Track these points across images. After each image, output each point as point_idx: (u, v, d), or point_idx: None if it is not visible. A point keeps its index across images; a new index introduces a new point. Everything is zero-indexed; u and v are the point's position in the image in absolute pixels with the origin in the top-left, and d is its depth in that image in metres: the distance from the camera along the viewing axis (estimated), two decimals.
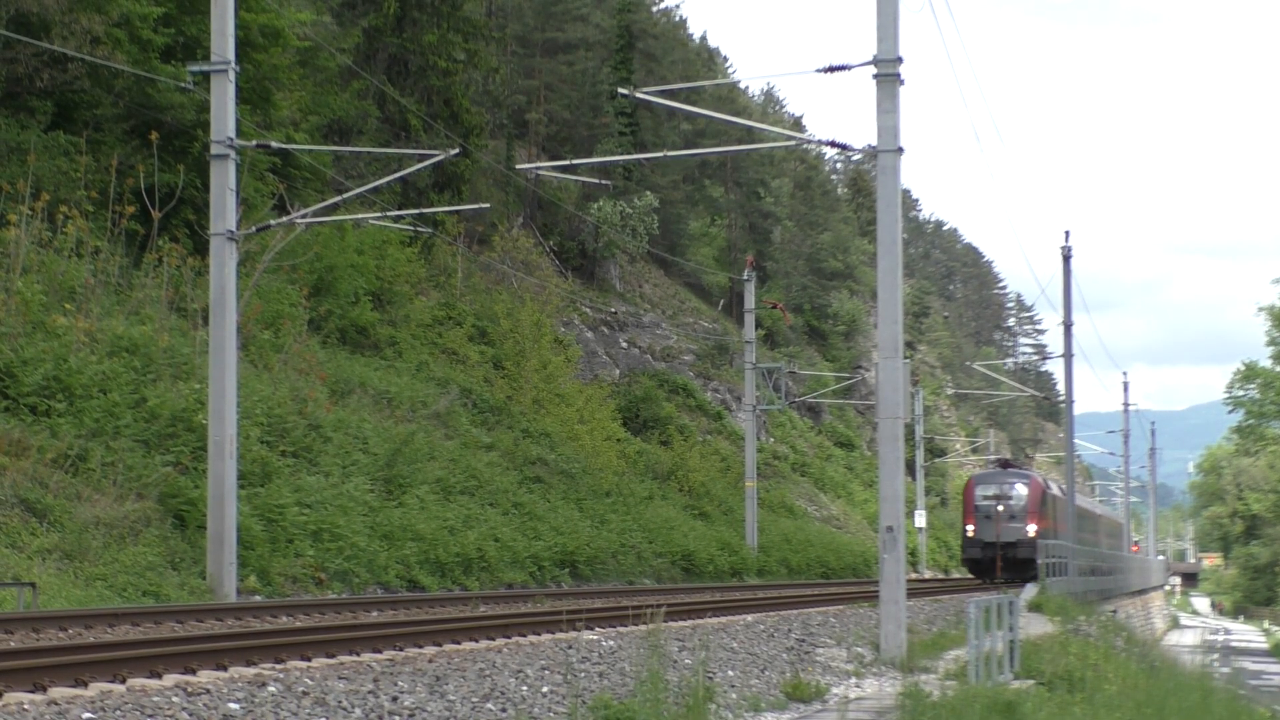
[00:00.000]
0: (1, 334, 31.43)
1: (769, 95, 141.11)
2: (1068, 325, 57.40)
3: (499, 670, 17.03)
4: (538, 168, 52.96)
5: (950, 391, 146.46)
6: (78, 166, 37.73)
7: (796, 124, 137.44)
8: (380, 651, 18.54)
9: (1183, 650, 65.02)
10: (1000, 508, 58.66)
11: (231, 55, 30.17)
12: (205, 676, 15.45)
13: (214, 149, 30.05)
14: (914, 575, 75.80)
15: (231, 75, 30.09)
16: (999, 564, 58.27)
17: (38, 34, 36.22)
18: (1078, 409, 63.47)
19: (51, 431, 29.71)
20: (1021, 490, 59.60)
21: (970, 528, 59.51)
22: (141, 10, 39.86)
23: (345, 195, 40.60)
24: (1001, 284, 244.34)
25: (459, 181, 61.15)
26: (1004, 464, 66.02)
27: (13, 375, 30.53)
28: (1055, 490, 64.73)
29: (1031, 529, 57.96)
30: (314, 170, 49.27)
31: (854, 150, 28.77)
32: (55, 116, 39.29)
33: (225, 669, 15.98)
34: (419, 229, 49.06)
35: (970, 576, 63.44)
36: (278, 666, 16.34)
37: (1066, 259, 57.14)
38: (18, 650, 16.50)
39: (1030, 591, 44.00)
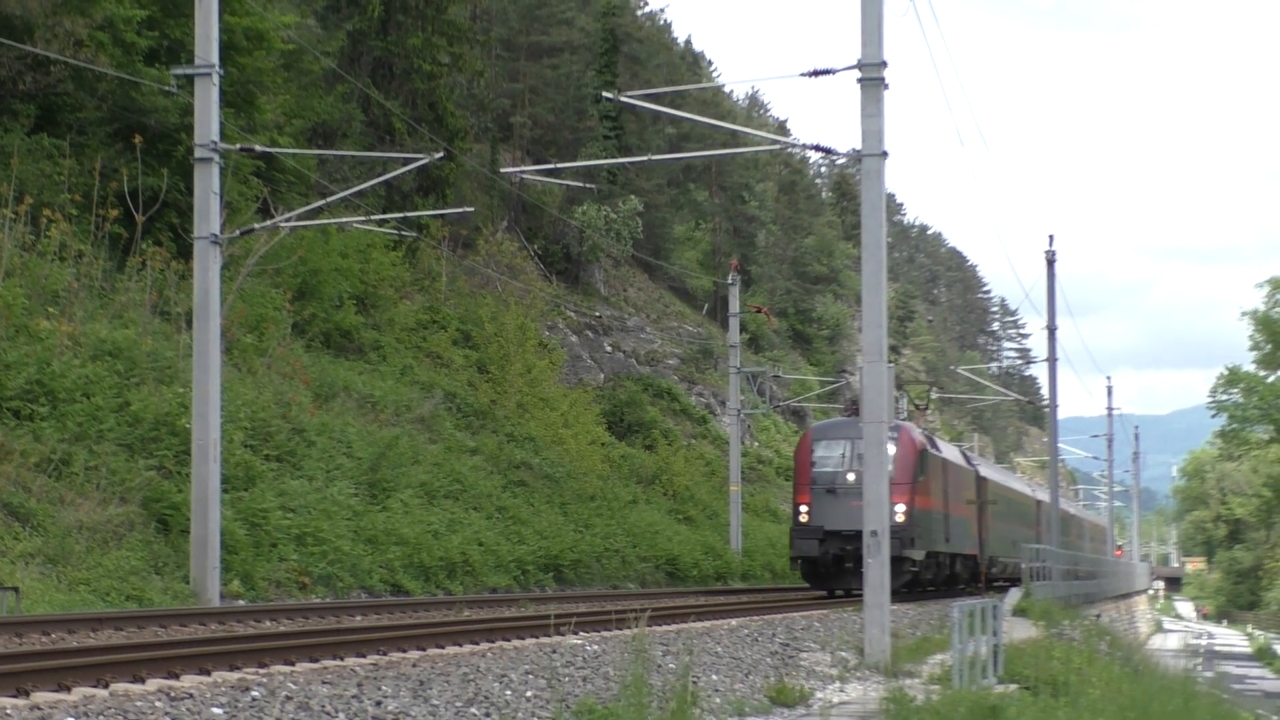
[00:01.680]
0: None
1: (753, 99, 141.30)
2: (1051, 329, 57.45)
3: (483, 675, 17.00)
4: (522, 171, 53.13)
5: (934, 395, 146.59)
6: (61, 170, 37.65)
7: (781, 128, 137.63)
8: (364, 656, 18.51)
9: (1166, 654, 65.07)
10: (851, 476, 40.37)
11: (215, 58, 30.13)
12: (189, 681, 15.41)
13: (198, 152, 30.01)
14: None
15: (215, 78, 30.05)
16: (848, 566, 40.57)
17: (20, 37, 36.14)
18: (1062, 413, 63.51)
19: (34, 435, 29.64)
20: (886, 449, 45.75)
21: (803, 509, 41.99)
22: (125, 13, 39.78)
23: (329, 199, 40.56)
24: (986, 288, 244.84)
25: (443, 185, 61.10)
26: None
27: None
28: (944, 451, 48.76)
29: (900, 510, 40.63)
30: (298, 174, 49.21)
31: (838, 154, 28.76)
32: (38, 120, 39.19)
33: (209, 674, 15.94)
34: (403, 232, 49.05)
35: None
36: (261, 671, 16.31)
37: (1050, 263, 57.19)
38: (0, 655, 16.45)
39: (1014, 596, 44.04)
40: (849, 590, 40.89)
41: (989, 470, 62.12)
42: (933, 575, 45.72)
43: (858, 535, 38.05)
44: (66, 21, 37.27)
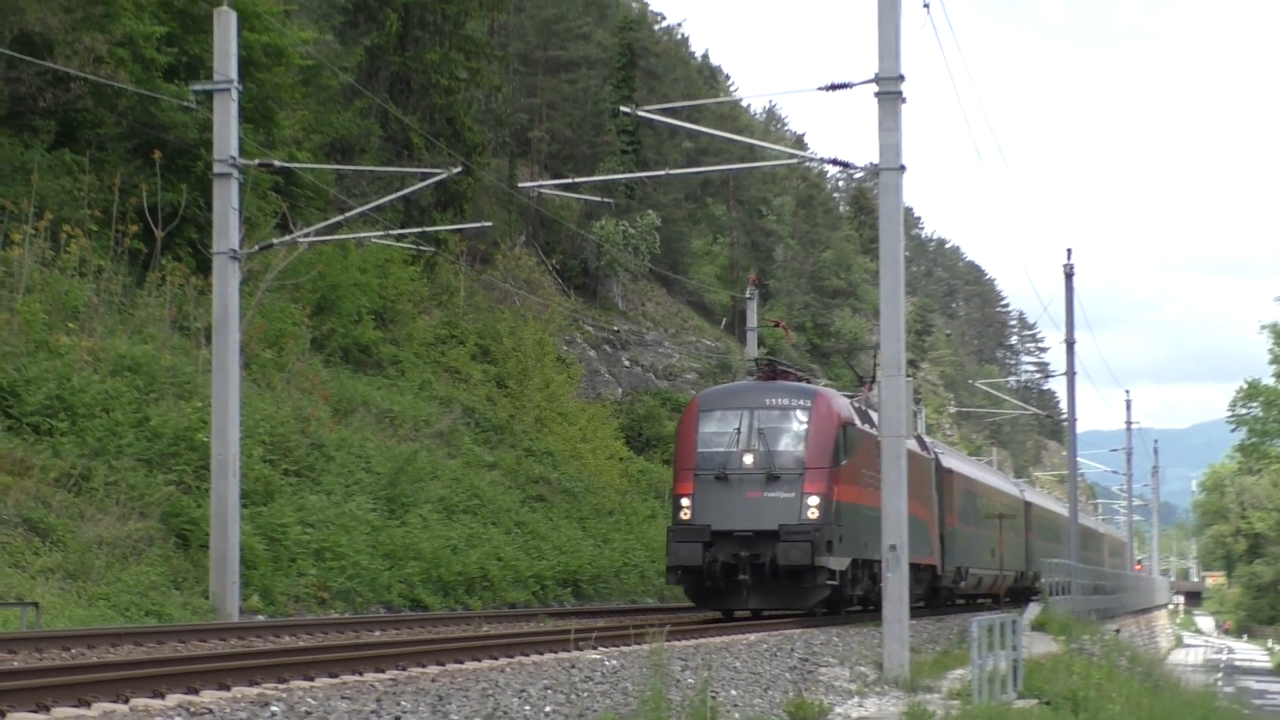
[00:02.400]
0: (5, 353, 31.46)
1: (771, 113, 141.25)
2: (1070, 343, 57.35)
3: (502, 690, 17.01)
4: (540, 186, 53.19)
5: (953, 409, 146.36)
6: (81, 186, 37.76)
7: (798, 142, 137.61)
8: (383, 671, 18.52)
9: (1186, 669, 64.93)
10: (749, 458, 32.85)
11: (234, 74, 30.22)
12: (208, 696, 15.43)
13: (217, 168, 30.10)
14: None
15: (234, 94, 30.15)
16: (743, 579, 32.41)
17: (41, 53, 36.27)
18: (1080, 427, 63.42)
19: (54, 451, 29.72)
20: (796, 420, 33.62)
21: (684, 503, 32.98)
22: (144, 30, 39.92)
23: (348, 214, 40.65)
24: (1004, 302, 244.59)
25: (461, 200, 61.15)
26: (770, 372, 36.21)
27: (16, 394, 30.55)
28: (873, 428, 33.65)
29: (814, 501, 32.50)
30: (317, 189, 49.29)
31: (856, 168, 28.83)
32: (58, 136, 39.33)
33: (228, 689, 15.96)
34: (421, 248, 49.07)
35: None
36: (281, 686, 16.32)
37: (1069, 277, 57.11)
38: (21, 670, 16.49)
39: (1033, 610, 43.90)
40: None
41: (955, 460, 52.60)
42: (865, 590, 35.91)
43: (757, 538, 32.32)
44: (86, 38, 37.38)
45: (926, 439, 48.82)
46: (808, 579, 32.46)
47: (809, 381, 37.88)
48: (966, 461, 60.83)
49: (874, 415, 36.94)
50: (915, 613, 36.96)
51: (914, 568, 38.34)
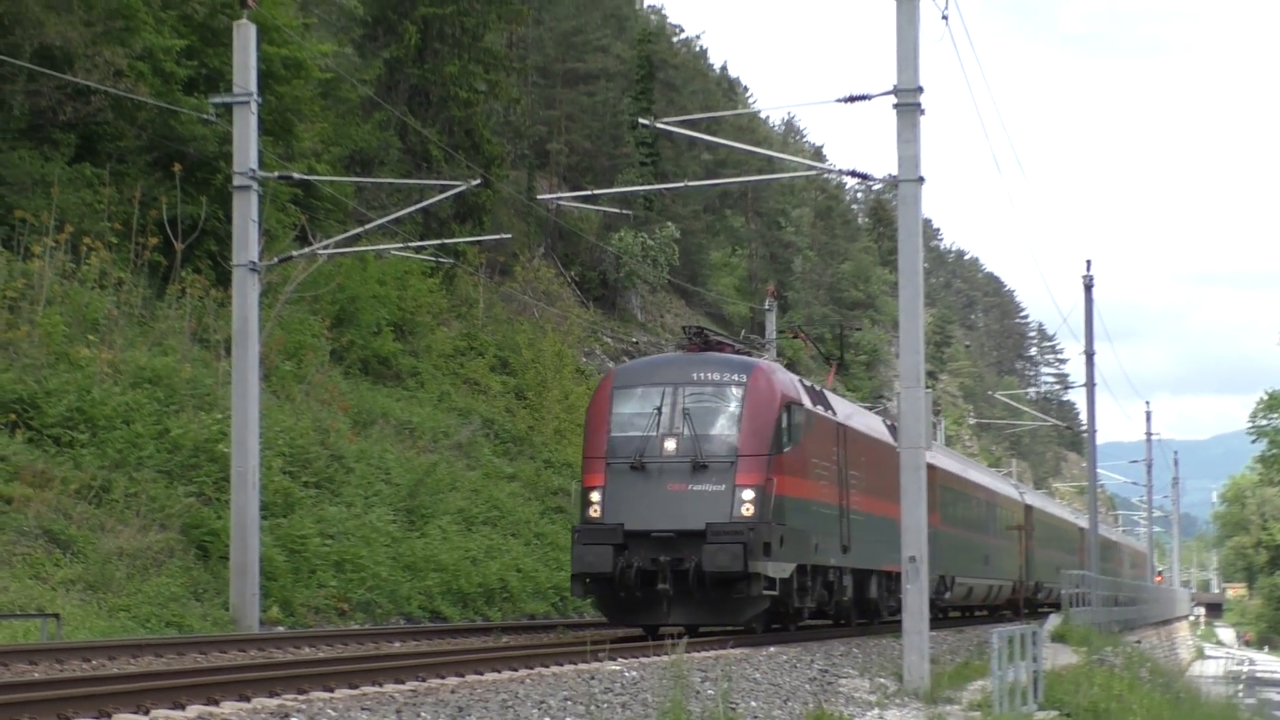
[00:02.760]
0: (25, 365, 31.57)
1: (789, 125, 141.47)
2: (1089, 354, 57.26)
3: (521, 701, 17.01)
4: (559, 198, 53.08)
5: (972, 421, 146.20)
6: (101, 198, 37.88)
7: (817, 154, 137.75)
8: (403, 682, 18.54)
9: (1207, 681, 64.77)
10: (671, 444, 28.01)
11: (254, 87, 30.29)
12: (228, 708, 15.46)
13: (236, 180, 30.16)
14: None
15: (254, 107, 30.22)
16: (662, 588, 27.29)
17: (61, 67, 36.39)
18: (1100, 439, 63.30)
19: (75, 463, 29.80)
20: (729, 398, 28.64)
21: (594, 497, 28.15)
22: (164, 43, 40.07)
23: (367, 226, 40.69)
24: (1023, 313, 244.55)
25: (480, 212, 61.23)
26: (701, 342, 30.78)
27: (37, 406, 30.64)
28: (841, 411, 33.99)
29: (748, 495, 27.70)
30: (336, 201, 49.38)
31: (875, 180, 28.77)
32: (79, 149, 39.45)
33: (248, 700, 15.99)
34: (440, 259, 49.13)
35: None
36: (301, 697, 16.35)
37: (1088, 288, 57.03)
38: (42, 681, 16.55)
39: (1054, 621, 43.75)
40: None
41: (942, 455, 47.05)
42: (817, 602, 31.45)
43: (680, 540, 27.21)
44: (106, 52, 37.51)
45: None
46: (740, 589, 27.37)
47: (751, 354, 32.40)
48: (956, 458, 55.72)
49: (833, 397, 34.40)
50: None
51: (885, 576, 35.75)
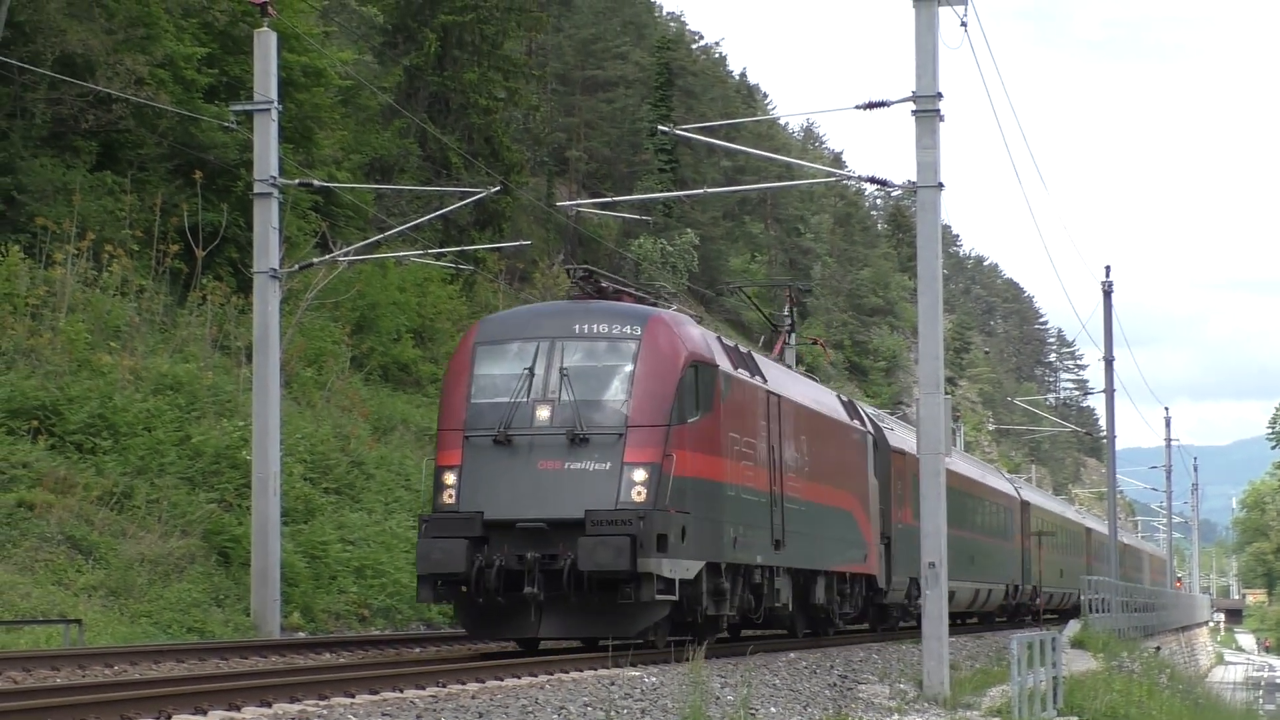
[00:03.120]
0: (48, 372, 31.70)
1: (808, 131, 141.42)
2: (1109, 360, 57.17)
3: (541, 707, 17.06)
4: (578, 205, 53.23)
5: (991, 427, 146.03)
6: (122, 206, 38.00)
7: (836, 160, 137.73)
8: (424, 687, 18.59)
9: (1227, 687, 64.64)
10: (544, 412, 23.07)
11: (274, 95, 30.37)
12: (250, 713, 15.52)
13: (257, 188, 30.25)
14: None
15: (274, 114, 30.29)
16: (531, 591, 22.20)
17: (83, 75, 36.52)
18: (1120, 444, 63.16)
19: (97, 469, 29.91)
20: (619, 355, 23.55)
21: (448, 479, 23.28)
22: (185, 51, 40.18)
23: (387, 233, 40.76)
24: (1042, 319, 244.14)
25: (500, 219, 61.34)
26: (591, 289, 25.69)
27: (59, 413, 30.75)
28: (773, 377, 28.23)
29: (640, 476, 22.66)
30: (356, 208, 49.49)
31: (894, 186, 28.74)
32: (100, 156, 39.58)
33: (269, 705, 16.04)
34: (460, 266, 49.21)
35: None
36: (322, 703, 16.40)
37: (1107, 294, 56.94)
38: (64, 687, 16.63)
39: (1073, 627, 43.67)
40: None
41: (911, 438, 32.82)
42: (739, 609, 25.68)
43: (553, 532, 22.13)
44: (128, 60, 37.62)
45: (867, 408, 38.47)
46: (628, 592, 22.10)
47: (653, 303, 26.68)
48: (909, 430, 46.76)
49: (766, 361, 29.34)
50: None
51: (835, 578, 31.13)
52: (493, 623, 23.09)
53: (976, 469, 53.14)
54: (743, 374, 25.99)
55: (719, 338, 26.62)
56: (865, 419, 35.07)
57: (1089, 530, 70.13)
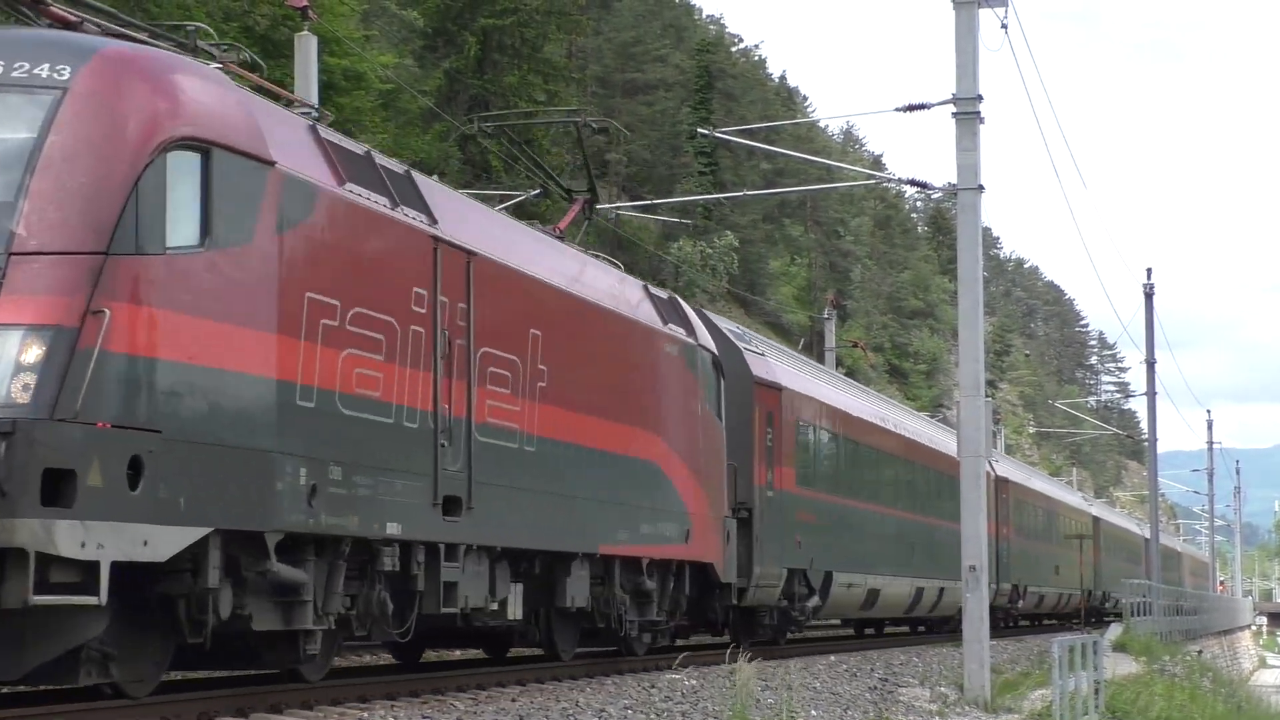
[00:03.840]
0: None
1: (848, 134, 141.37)
2: (1150, 363, 57.02)
3: (582, 710, 17.07)
4: (618, 208, 53.31)
5: (1032, 430, 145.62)
6: None
7: (876, 162, 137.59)
8: (464, 690, 18.62)
9: (1270, 691, 64.33)
10: None
11: (315, 99, 30.46)
12: (291, 716, 15.56)
13: None
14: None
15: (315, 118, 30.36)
16: None
17: None
18: (1161, 447, 62.97)
19: None
20: (20, 115, 12.23)
21: None
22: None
23: None
24: (1083, 321, 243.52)
25: (540, 221, 61.41)
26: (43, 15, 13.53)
27: None
28: (391, 198, 16.17)
29: (22, 354, 11.26)
30: None
31: (934, 188, 28.76)
32: None
33: (311, 709, 16.09)
34: None
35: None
36: (363, 706, 16.44)
37: (1149, 296, 56.80)
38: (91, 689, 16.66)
39: (1115, 631, 43.54)
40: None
41: (808, 378, 32.93)
42: (334, 613, 15.38)
43: None
44: None
45: (731, 326, 30.91)
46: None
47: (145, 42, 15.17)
48: (847, 386, 39.67)
49: (444, 191, 18.78)
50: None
51: (628, 567, 21.58)
52: None
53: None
54: (360, 192, 15.67)
55: (310, 121, 17.11)
56: (696, 329, 25.02)
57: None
